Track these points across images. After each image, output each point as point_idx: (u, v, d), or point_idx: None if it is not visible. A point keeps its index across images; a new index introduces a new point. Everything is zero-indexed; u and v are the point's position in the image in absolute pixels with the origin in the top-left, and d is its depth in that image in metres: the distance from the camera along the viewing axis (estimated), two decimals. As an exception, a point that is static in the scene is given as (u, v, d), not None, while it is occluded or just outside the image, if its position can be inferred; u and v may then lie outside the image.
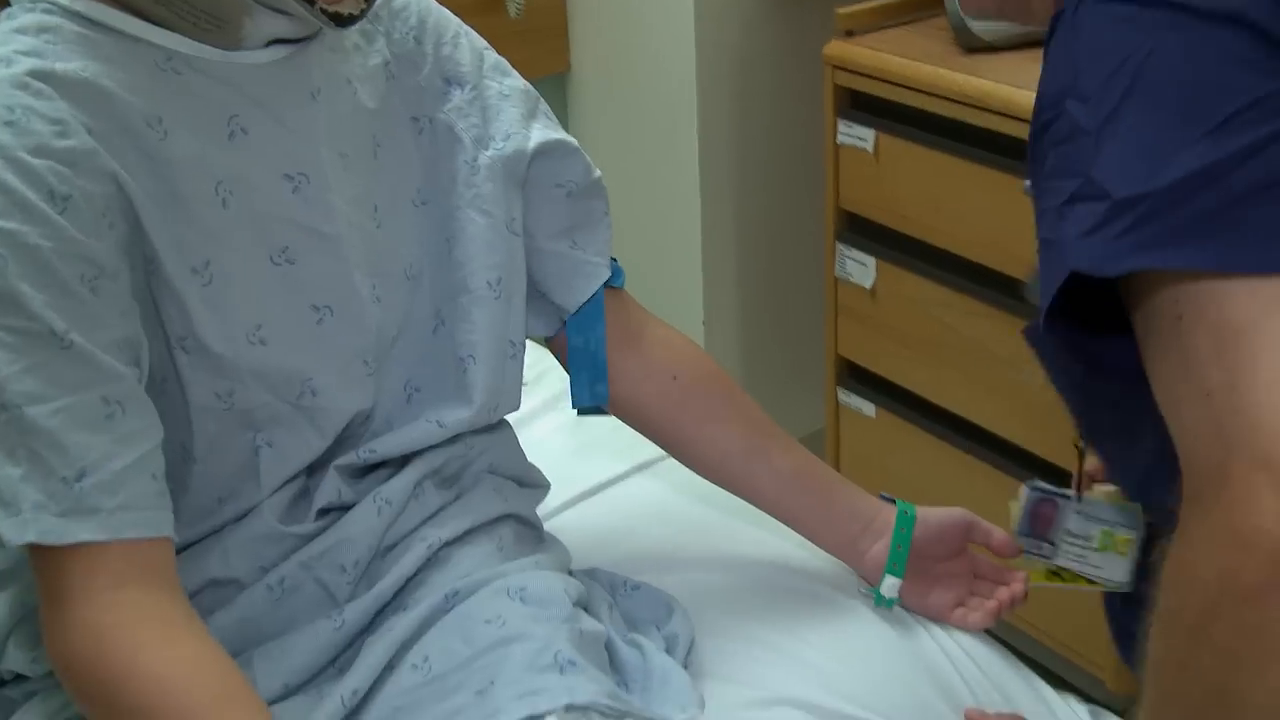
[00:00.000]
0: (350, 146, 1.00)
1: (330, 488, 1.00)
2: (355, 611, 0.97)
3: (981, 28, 1.83)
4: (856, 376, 2.09)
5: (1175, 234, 0.72)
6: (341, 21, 0.91)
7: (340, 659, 0.96)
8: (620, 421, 1.17)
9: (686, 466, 1.18)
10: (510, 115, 1.07)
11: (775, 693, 1.00)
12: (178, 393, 0.93)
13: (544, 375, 1.41)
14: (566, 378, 1.14)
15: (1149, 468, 0.91)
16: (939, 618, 1.11)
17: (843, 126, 1.95)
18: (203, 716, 0.83)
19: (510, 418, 1.13)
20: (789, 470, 1.13)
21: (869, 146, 1.92)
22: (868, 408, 2.06)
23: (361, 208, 1.00)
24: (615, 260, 1.13)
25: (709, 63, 2.15)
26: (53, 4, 0.88)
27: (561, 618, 0.97)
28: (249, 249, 0.94)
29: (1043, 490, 1.08)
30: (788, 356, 2.35)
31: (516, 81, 1.09)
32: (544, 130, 1.08)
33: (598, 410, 1.14)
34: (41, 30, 0.86)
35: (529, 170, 1.07)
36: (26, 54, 0.85)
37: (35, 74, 0.84)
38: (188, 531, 0.96)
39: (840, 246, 2.01)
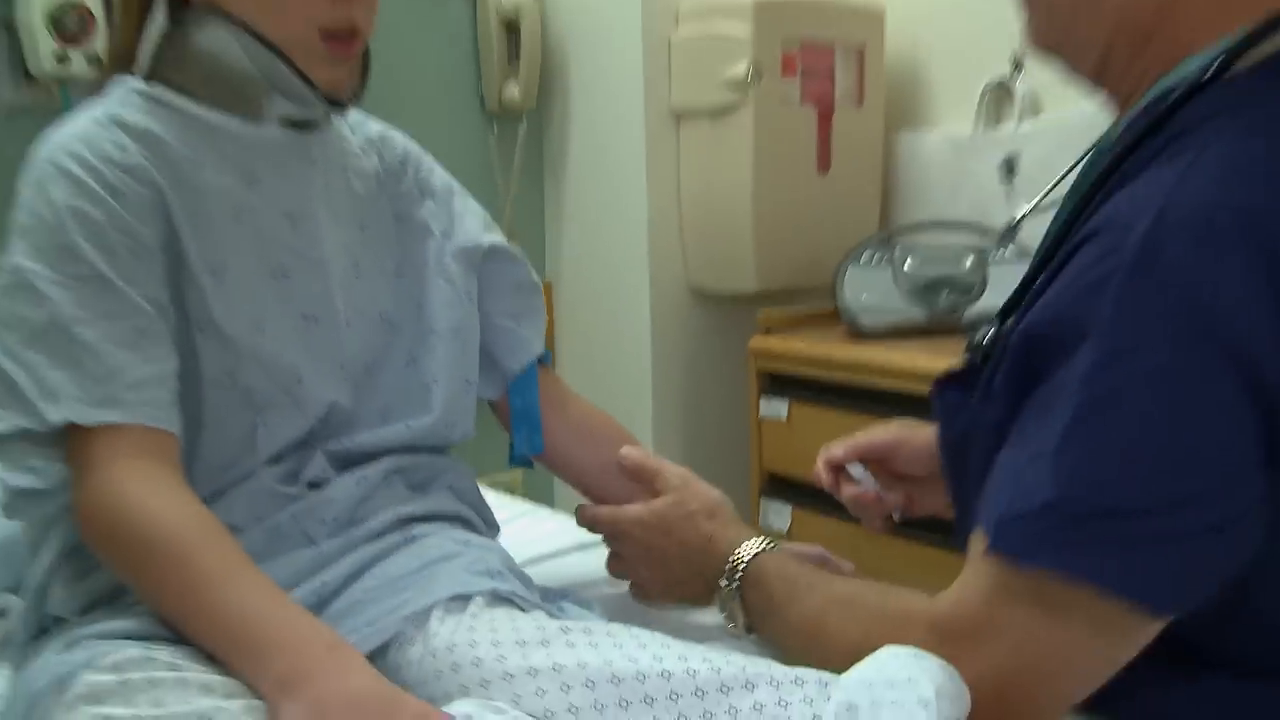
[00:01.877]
0: (342, 211, 1.15)
1: (317, 466, 1.09)
2: (331, 544, 1.05)
3: (867, 320, 2.12)
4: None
5: (1084, 545, 0.74)
6: (335, 105, 1.12)
7: (314, 580, 1.02)
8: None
9: None
10: (471, 222, 1.24)
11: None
12: (194, 369, 1.03)
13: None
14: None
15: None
16: None
17: (763, 403, 2.17)
18: (192, 545, 0.91)
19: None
20: None
21: (784, 415, 2.13)
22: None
23: (346, 256, 1.14)
24: (548, 348, 1.28)
25: (662, 360, 2.38)
26: (129, 88, 1.09)
27: (498, 556, 1.07)
28: (254, 263, 1.07)
29: None
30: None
31: (476, 205, 1.27)
32: (497, 237, 1.25)
33: (527, 463, 1.27)
34: (122, 102, 1.07)
35: (485, 263, 1.23)
36: (109, 111, 1.06)
37: (111, 119, 1.05)
38: (198, 490, 1.01)
39: (764, 501, 2.17)
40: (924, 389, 0.96)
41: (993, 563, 0.79)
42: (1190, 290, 0.72)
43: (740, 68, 2.18)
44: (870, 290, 2.13)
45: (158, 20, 1.08)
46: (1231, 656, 0.82)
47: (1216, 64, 0.79)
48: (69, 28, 1.80)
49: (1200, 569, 0.75)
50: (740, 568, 1.04)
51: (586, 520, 1.23)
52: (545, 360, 1.27)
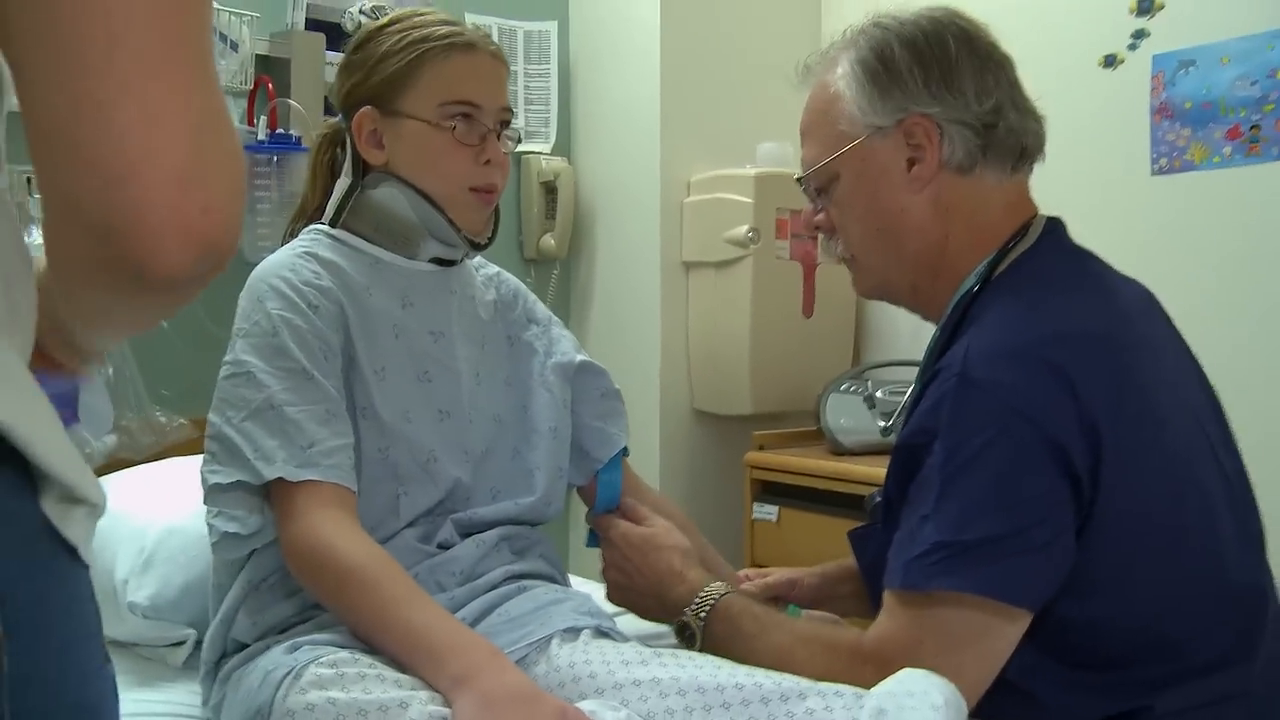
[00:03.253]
0: (469, 332, 1.33)
1: (446, 532, 1.25)
2: (460, 592, 1.21)
3: (846, 439, 2.33)
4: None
5: (964, 568, 0.99)
6: (475, 246, 1.31)
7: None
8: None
9: None
10: (566, 344, 1.42)
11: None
12: (357, 447, 1.19)
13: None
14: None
15: None
16: None
17: (756, 508, 2.35)
18: (377, 575, 1.07)
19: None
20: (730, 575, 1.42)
21: (774, 518, 2.32)
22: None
23: (470, 367, 1.31)
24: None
25: (669, 470, 2.54)
26: (319, 231, 1.30)
27: (592, 601, 1.24)
28: (406, 368, 1.25)
29: None
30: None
31: (568, 332, 1.46)
32: (585, 355, 1.43)
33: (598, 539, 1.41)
34: (314, 240, 1.28)
35: (577, 376, 1.40)
36: (305, 247, 1.27)
37: (308, 253, 1.25)
38: None
39: (756, 592, 2.33)
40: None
41: (902, 597, 1.04)
42: (998, 392, 1.01)
43: (742, 229, 2.42)
44: (848, 414, 2.32)
45: (346, 182, 1.30)
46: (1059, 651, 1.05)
47: (983, 276, 1.12)
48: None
49: (1040, 574, 1.01)
50: (710, 602, 1.23)
51: (590, 521, 1.40)
52: (625, 453, 1.44)
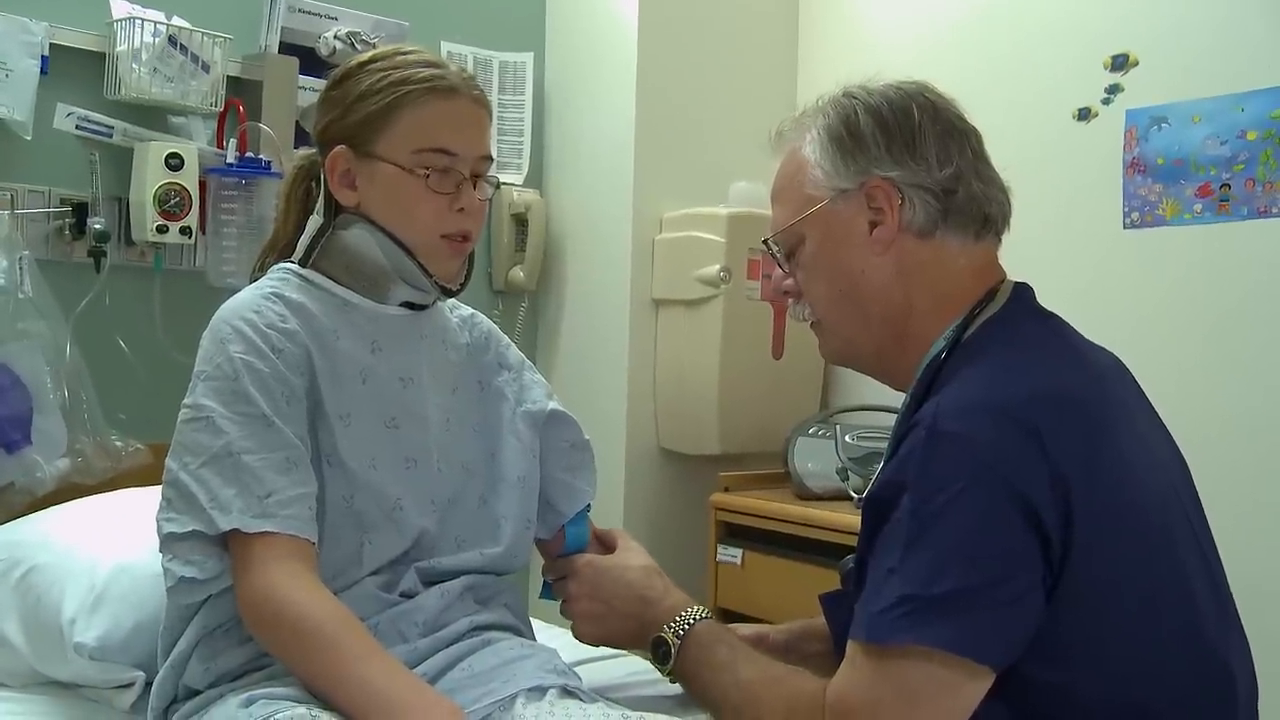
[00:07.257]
0: (440, 377, 1.31)
1: (409, 581, 1.22)
2: (423, 643, 1.18)
3: (813, 484, 2.33)
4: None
5: (929, 622, 0.98)
6: (447, 292, 1.29)
7: (414, 670, 1.13)
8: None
9: None
10: (537, 391, 1.40)
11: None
12: (321, 494, 1.16)
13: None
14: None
15: None
16: None
17: (721, 550, 2.34)
18: (336, 631, 1.05)
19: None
20: None
21: (739, 561, 2.31)
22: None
23: (440, 412, 1.29)
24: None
25: (633, 509, 2.52)
26: (288, 270, 1.27)
27: (558, 657, 1.22)
28: (373, 413, 1.22)
29: None
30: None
31: (541, 378, 1.43)
32: (557, 404, 1.41)
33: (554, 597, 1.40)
34: (282, 280, 1.25)
35: (546, 426, 1.38)
36: (272, 287, 1.24)
37: (274, 294, 1.22)
38: None
39: (718, 636, 2.32)
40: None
41: (867, 649, 1.03)
42: (969, 446, 1.00)
43: (713, 268, 2.42)
44: (815, 459, 2.32)
45: (318, 221, 1.28)
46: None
47: (951, 340, 1.13)
48: (170, 205, 2.00)
49: (1005, 631, 1.00)
50: (690, 623, 1.23)
51: (548, 572, 1.39)
52: (590, 510, 1.42)
